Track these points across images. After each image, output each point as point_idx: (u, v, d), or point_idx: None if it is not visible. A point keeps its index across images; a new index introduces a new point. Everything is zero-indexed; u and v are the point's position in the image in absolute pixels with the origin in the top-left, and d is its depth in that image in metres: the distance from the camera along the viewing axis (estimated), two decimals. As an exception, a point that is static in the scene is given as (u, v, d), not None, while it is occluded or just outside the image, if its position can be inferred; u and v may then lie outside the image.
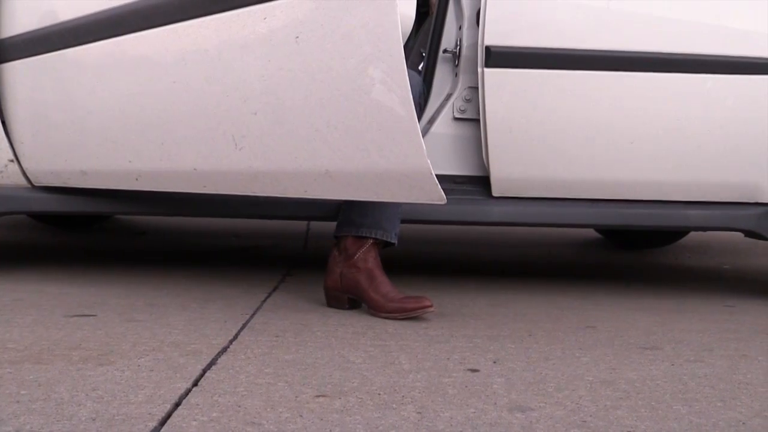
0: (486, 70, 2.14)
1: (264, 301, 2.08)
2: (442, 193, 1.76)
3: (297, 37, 1.73)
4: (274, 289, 2.24)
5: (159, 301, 2.03)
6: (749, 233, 2.24)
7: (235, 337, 1.69)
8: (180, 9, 1.87)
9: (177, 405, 1.25)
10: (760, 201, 2.20)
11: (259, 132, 1.84)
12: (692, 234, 3.37)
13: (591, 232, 3.72)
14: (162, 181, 2.05)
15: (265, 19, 1.77)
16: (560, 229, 3.58)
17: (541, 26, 2.15)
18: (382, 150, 1.74)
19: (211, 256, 2.92)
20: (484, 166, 2.23)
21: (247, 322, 1.83)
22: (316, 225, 3.47)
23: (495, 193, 2.22)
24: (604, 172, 2.19)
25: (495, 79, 2.14)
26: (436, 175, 1.76)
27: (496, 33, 2.14)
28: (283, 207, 2.22)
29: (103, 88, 2.00)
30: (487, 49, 2.14)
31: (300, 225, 3.49)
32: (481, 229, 3.47)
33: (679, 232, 3.27)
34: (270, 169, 1.89)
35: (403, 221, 2.31)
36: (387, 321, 1.88)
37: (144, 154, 2.00)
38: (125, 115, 1.98)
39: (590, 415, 1.27)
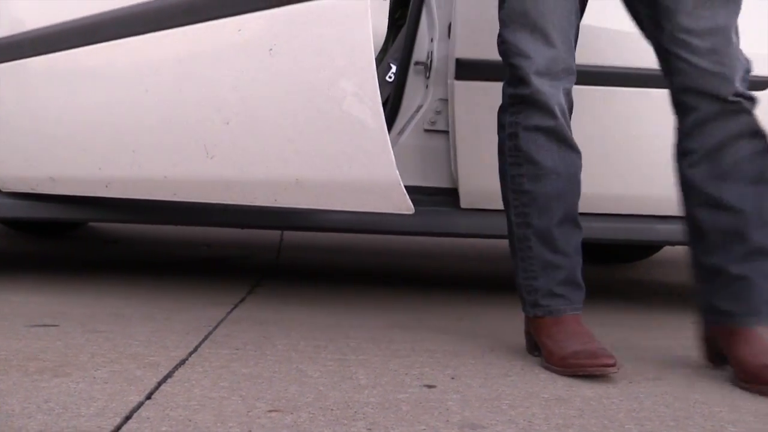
0: (456, 82, 2.15)
1: (229, 312, 2.07)
2: (410, 203, 1.78)
3: (271, 49, 1.76)
4: (241, 301, 2.23)
5: (124, 311, 2.02)
6: (716, 249, 2.24)
7: (195, 349, 1.68)
8: (155, 19, 1.88)
9: (127, 418, 1.24)
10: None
11: (231, 141, 1.86)
12: (667, 249, 3.37)
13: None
14: (132, 189, 2.06)
15: (239, 30, 1.80)
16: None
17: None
18: (353, 160, 1.76)
19: (182, 266, 2.90)
20: (453, 177, 2.23)
21: (209, 334, 1.82)
22: (289, 235, 3.47)
23: (463, 204, 2.23)
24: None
25: (465, 91, 2.15)
26: (406, 186, 1.78)
27: (467, 46, 2.15)
28: (257, 216, 2.22)
29: (75, 96, 2.00)
30: (458, 61, 2.14)
31: (273, 235, 3.48)
32: (451, 242, 3.47)
33: (651, 248, 3.28)
34: (241, 178, 1.91)
35: (371, 232, 2.32)
36: (348, 335, 1.87)
37: (114, 162, 2.01)
38: (96, 122, 1.99)
39: (541, 434, 1.27)
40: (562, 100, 1.67)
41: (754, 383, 1.53)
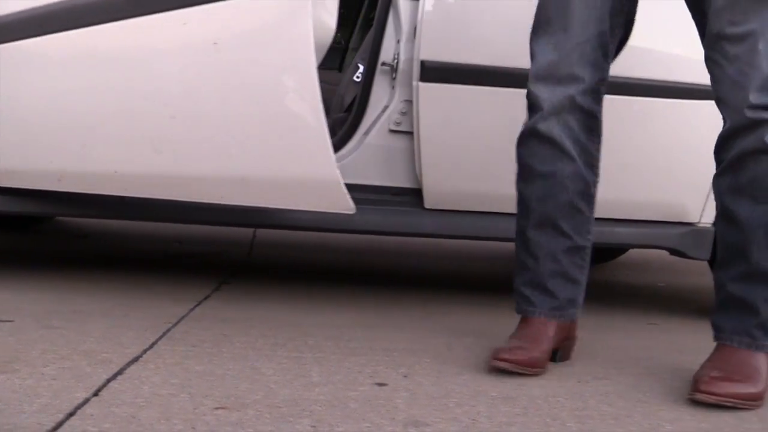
0: (420, 84, 2.17)
1: (192, 309, 2.06)
2: (351, 202, 1.79)
3: (215, 43, 1.78)
4: (206, 298, 2.23)
5: (84, 307, 2.01)
6: (673, 251, 2.28)
7: (151, 346, 1.68)
8: (103, 11, 1.88)
9: (70, 415, 1.25)
10: (684, 220, 2.24)
11: (178, 136, 1.88)
12: (634, 252, 3.40)
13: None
14: (83, 183, 2.06)
15: (185, 24, 1.80)
16: (501, 244, 3.60)
17: (475, 43, 2.17)
18: (294, 158, 1.79)
19: (150, 262, 2.90)
20: (418, 178, 2.24)
21: (167, 331, 1.82)
22: (262, 232, 3.47)
23: (427, 205, 2.24)
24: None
25: (429, 93, 2.17)
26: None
27: (432, 48, 2.17)
28: (227, 213, 2.21)
29: (24, 87, 1.99)
30: (422, 63, 2.16)
31: (247, 231, 3.48)
32: (421, 242, 3.49)
33: (616, 250, 3.31)
34: (188, 174, 1.92)
35: (334, 230, 2.32)
36: (308, 333, 1.88)
37: (65, 155, 2.01)
38: (47, 114, 1.99)
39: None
40: (563, 106, 1.64)
41: (691, 390, 1.48)
